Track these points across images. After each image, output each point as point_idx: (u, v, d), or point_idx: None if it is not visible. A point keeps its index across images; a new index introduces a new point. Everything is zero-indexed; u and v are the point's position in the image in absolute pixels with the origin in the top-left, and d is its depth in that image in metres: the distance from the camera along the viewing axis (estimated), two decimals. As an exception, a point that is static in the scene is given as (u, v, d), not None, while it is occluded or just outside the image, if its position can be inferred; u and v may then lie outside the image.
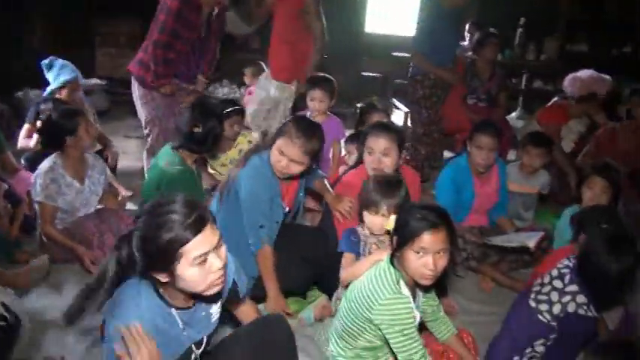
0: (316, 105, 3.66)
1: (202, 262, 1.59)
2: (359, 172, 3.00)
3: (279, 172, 2.69)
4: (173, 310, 1.73)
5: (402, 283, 2.09)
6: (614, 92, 6.41)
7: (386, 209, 2.48)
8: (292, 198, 2.96)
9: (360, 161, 3.05)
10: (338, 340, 2.26)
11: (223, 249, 1.67)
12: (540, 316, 2.43)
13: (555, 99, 4.99)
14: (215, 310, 1.89)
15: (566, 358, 2.41)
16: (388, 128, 2.95)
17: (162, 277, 1.62)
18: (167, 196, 1.62)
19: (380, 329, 2.06)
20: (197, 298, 1.77)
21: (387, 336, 2.04)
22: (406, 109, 5.45)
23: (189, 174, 3.19)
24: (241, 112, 3.89)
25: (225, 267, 1.66)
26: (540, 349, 2.45)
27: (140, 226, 1.60)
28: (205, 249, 1.59)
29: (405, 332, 2.00)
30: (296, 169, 2.66)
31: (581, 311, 2.33)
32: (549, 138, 3.98)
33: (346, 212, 2.90)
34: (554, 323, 2.39)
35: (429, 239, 1.95)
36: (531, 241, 3.16)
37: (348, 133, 4.02)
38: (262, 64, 5.29)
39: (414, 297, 2.19)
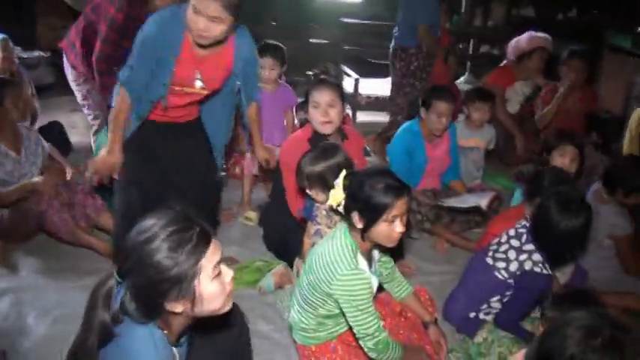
0: (266, 73, 3.62)
1: (218, 274, 1.50)
2: (305, 130, 3.03)
3: (199, 37, 2.36)
4: (174, 349, 1.59)
5: (359, 254, 2.12)
6: (554, 54, 6.66)
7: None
8: (214, 76, 2.63)
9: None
10: (299, 309, 2.28)
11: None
12: (497, 274, 2.53)
13: (504, 62, 5.08)
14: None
15: (519, 313, 2.50)
16: (330, 82, 3.00)
17: (179, 307, 1.46)
18: (149, 227, 1.44)
19: (338, 302, 2.10)
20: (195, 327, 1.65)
21: (344, 310, 2.08)
22: (357, 76, 5.47)
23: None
24: None
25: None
26: (496, 305, 2.56)
27: (136, 265, 1.43)
28: (218, 256, 1.50)
29: (361, 307, 2.04)
30: (218, 29, 2.34)
31: (537, 269, 2.44)
32: (491, 92, 4.12)
33: (265, 164, 3.01)
34: (510, 280, 2.50)
35: (399, 206, 1.99)
36: (483, 201, 3.26)
37: (299, 100, 4.00)
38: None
39: (370, 263, 2.24)
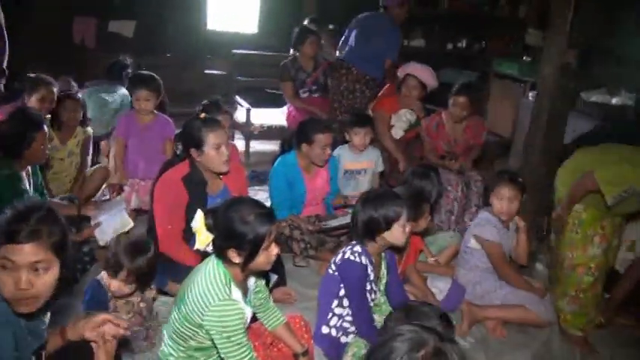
0: (141, 105, 3.54)
1: None
2: (180, 168, 2.96)
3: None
4: None
5: (232, 284, 2.08)
6: (446, 82, 6.93)
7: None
8: None
9: (183, 158, 3.00)
10: (170, 341, 2.20)
11: None
12: (330, 270, 2.61)
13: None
14: None
15: (358, 310, 2.55)
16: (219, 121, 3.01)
17: None
18: None
19: (209, 334, 2.04)
20: None
21: (216, 342, 2.03)
22: (248, 106, 5.47)
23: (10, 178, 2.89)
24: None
25: None
26: (339, 310, 2.59)
27: None
28: None
29: (233, 339, 2.00)
30: None
31: (352, 257, 2.53)
32: (368, 115, 4.28)
33: None
34: (336, 273, 2.56)
35: (274, 230, 2.06)
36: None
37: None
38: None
39: (246, 292, 2.19)
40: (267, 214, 2.05)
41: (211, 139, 2.82)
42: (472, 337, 3.11)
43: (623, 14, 5.80)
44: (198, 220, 2.11)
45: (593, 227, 3.01)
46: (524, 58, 7.01)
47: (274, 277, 3.03)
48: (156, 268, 2.51)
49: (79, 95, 3.97)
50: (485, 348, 3.03)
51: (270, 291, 2.95)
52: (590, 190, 2.90)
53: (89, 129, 3.97)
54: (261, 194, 4.56)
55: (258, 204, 2.10)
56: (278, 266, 3.19)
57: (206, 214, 2.11)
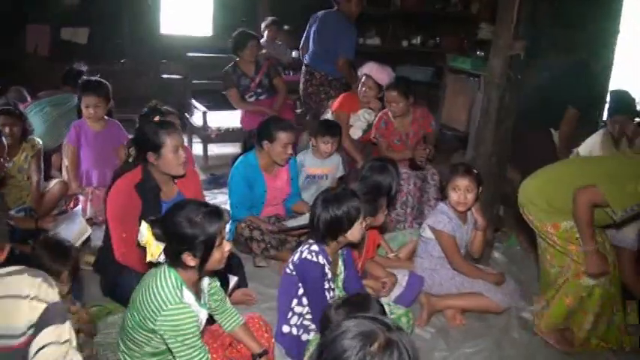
0: (91, 111, 3.48)
1: None
2: (133, 175, 2.92)
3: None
4: None
5: (184, 288, 2.07)
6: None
7: None
8: None
9: (136, 164, 2.97)
10: (125, 349, 2.18)
11: None
12: (288, 270, 2.63)
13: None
14: None
15: (319, 308, 2.52)
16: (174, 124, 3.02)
17: None
18: None
19: (164, 339, 2.02)
20: None
21: (170, 345, 2.02)
22: (204, 109, 5.44)
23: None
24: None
25: None
26: (299, 309, 2.61)
27: None
28: None
29: (187, 342, 1.99)
30: None
31: (309, 256, 2.55)
32: (338, 125, 4.27)
33: None
34: (294, 273, 2.58)
35: (223, 227, 2.08)
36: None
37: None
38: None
39: (199, 295, 2.18)
40: (215, 212, 2.05)
41: (169, 141, 2.80)
42: (432, 327, 3.17)
43: (570, 5, 6.00)
44: (145, 232, 2.06)
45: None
46: (477, 53, 7.14)
47: (234, 279, 3.02)
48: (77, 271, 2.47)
49: (21, 108, 3.84)
50: (445, 337, 3.08)
51: (231, 293, 2.95)
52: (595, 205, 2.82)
53: (39, 142, 3.82)
54: (220, 197, 4.55)
55: (203, 204, 2.10)
56: (238, 267, 3.18)
57: (151, 224, 2.07)
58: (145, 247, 2.08)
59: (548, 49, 5.89)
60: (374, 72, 4.57)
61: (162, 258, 2.08)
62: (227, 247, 2.10)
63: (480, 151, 3.53)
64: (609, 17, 6.34)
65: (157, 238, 2.06)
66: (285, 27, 6.88)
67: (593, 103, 5.03)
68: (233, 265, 3.10)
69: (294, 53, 6.74)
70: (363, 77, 4.62)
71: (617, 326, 3.07)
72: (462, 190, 3.15)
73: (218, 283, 2.34)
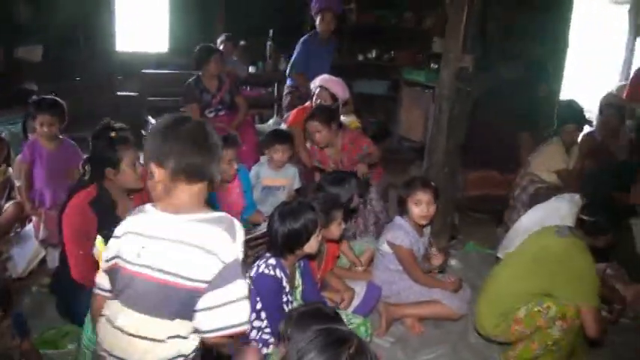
0: (45, 129, 3.44)
1: None
2: (87, 193, 2.89)
3: None
4: None
5: None
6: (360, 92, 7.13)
7: None
8: None
9: (91, 181, 2.94)
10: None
11: None
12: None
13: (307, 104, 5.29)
14: None
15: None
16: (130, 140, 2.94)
17: None
18: None
19: None
20: None
21: None
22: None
23: None
24: None
25: None
26: (257, 323, 2.61)
27: None
28: None
29: None
30: None
31: (266, 270, 2.58)
32: (288, 134, 4.28)
33: None
34: (252, 287, 2.56)
35: None
36: None
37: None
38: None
39: None
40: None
41: (126, 156, 2.82)
42: (391, 336, 3.21)
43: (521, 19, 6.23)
44: (99, 247, 2.05)
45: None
46: (431, 66, 7.33)
47: None
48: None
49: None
50: (404, 346, 3.13)
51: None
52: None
53: (10, 170, 3.75)
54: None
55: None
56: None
57: (105, 237, 2.06)
58: (101, 263, 2.06)
59: (498, 61, 6.11)
60: (329, 83, 4.62)
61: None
62: None
63: (432, 161, 3.62)
64: (559, 30, 6.61)
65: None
66: (242, 42, 6.92)
67: (543, 115, 5.24)
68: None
69: (251, 69, 6.79)
70: (317, 89, 4.65)
71: None
72: (424, 203, 3.20)
73: None
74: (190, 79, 5.13)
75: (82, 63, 6.85)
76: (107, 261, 1.91)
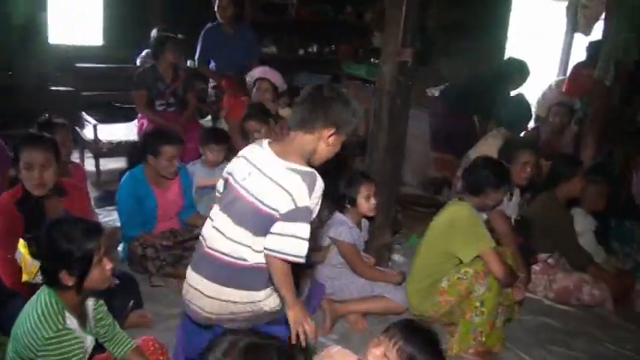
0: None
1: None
2: (14, 191, 2.73)
3: None
4: None
5: (66, 312, 1.96)
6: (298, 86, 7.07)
7: None
8: None
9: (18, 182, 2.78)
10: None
11: None
12: None
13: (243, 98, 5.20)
14: None
15: None
16: (44, 140, 2.73)
17: None
18: None
19: None
20: None
21: None
22: (95, 122, 5.20)
23: None
24: None
25: None
26: None
27: None
28: None
29: None
30: None
31: None
32: (224, 133, 4.22)
33: None
34: None
35: (103, 243, 2.01)
36: None
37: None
38: None
39: (84, 320, 2.08)
40: (93, 228, 1.98)
41: (22, 157, 2.62)
42: (336, 333, 3.18)
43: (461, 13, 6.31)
44: (21, 250, 1.95)
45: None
46: (371, 60, 7.34)
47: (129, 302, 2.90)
48: None
49: None
50: (349, 343, 3.08)
51: (127, 316, 2.82)
52: None
53: None
54: (114, 214, 4.33)
55: (81, 220, 2.04)
56: (132, 288, 3.05)
57: (28, 241, 1.97)
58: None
59: (438, 56, 6.18)
60: (269, 74, 4.57)
61: (39, 278, 1.99)
62: (108, 265, 2.00)
63: (373, 158, 3.59)
64: (499, 25, 6.74)
65: (34, 256, 1.97)
66: (179, 36, 6.72)
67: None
68: (128, 285, 2.98)
69: (188, 63, 6.62)
70: (257, 81, 4.58)
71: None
72: (372, 196, 3.26)
73: (105, 307, 2.23)
74: (146, 65, 4.99)
75: (13, 57, 6.50)
76: (225, 174, 2.31)
